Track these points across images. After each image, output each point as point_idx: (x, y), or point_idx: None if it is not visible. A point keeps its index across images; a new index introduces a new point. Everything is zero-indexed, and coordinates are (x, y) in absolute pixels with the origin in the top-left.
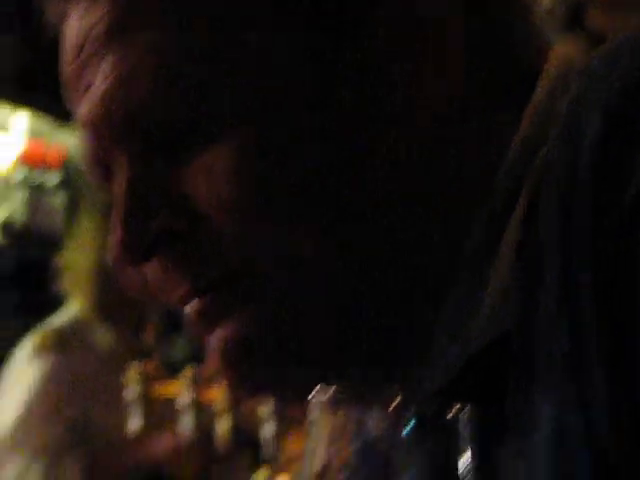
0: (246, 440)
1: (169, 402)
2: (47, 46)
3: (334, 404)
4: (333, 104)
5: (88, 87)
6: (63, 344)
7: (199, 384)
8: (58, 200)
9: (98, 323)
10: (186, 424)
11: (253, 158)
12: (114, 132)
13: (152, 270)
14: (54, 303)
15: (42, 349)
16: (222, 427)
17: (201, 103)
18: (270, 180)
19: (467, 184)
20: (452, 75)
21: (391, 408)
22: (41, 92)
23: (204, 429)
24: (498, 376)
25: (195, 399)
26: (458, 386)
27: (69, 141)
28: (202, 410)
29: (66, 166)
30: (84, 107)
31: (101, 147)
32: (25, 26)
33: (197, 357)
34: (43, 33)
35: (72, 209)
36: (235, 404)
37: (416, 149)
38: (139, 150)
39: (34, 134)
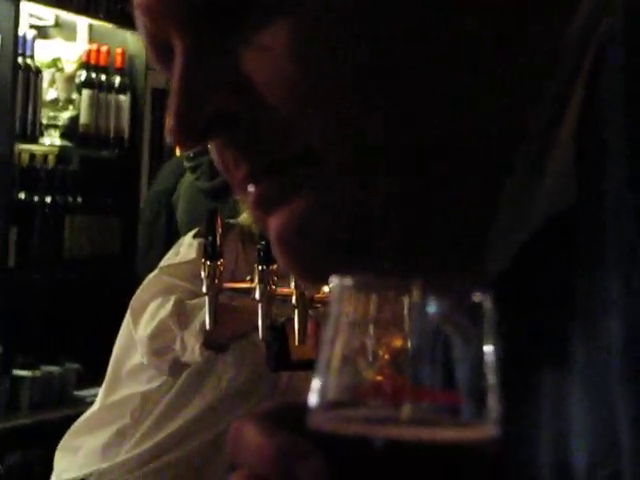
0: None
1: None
2: None
3: (364, 289)
4: None
5: None
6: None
7: (269, 280)
8: (121, 101)
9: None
10: (260, 318)
11: (315, 36)
12: (170, 12)
13: (215, 152)
14: (117, 204)
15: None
16: (297, 319)
17: None
18: (333, 60)
19: (529, 67)
20: None
21: (452, 292)
22: None
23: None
24: (558, 256)
25: (265, 292)
26: (518, 267)
27: (132, 43)
28: (275, 303)
29: (128, 68)
30: None
31: (158, 29)
32: None
33: (267, 258)
34: None
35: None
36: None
37: (487, 24)
38: (195, 30)
39: (97, 36)
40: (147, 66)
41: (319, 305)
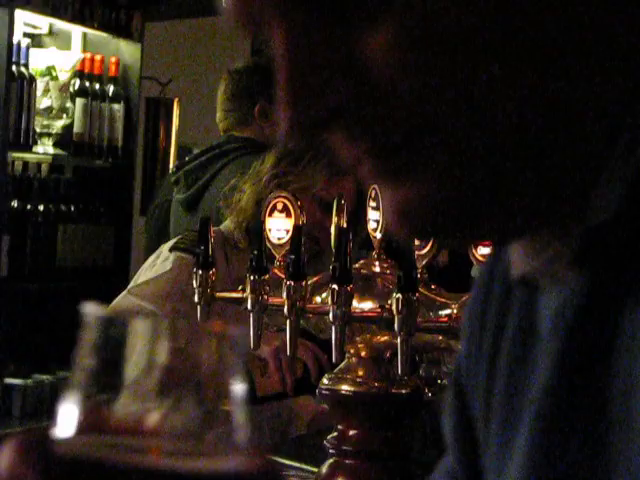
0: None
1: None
2: None
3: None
4: None
5: None
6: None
7: (262, 287)
8: (115, 111)
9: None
10: (252, 328)
11: (431, 16)
12: None
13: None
14: (111, 213)
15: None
16: (288, 330)
17: None
18: (451, 36)
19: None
20: None
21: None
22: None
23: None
24: None
25: (256, 302)
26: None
27: (126, 52)
28: (268, 314)
29: (122, 77)
30: None
31: (251, 8)
32: None
33: (259, 268)
34: None
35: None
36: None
37: None
38: (299, 15)
39: (92, 46)
40: (141, 75)
41: (311, 315)
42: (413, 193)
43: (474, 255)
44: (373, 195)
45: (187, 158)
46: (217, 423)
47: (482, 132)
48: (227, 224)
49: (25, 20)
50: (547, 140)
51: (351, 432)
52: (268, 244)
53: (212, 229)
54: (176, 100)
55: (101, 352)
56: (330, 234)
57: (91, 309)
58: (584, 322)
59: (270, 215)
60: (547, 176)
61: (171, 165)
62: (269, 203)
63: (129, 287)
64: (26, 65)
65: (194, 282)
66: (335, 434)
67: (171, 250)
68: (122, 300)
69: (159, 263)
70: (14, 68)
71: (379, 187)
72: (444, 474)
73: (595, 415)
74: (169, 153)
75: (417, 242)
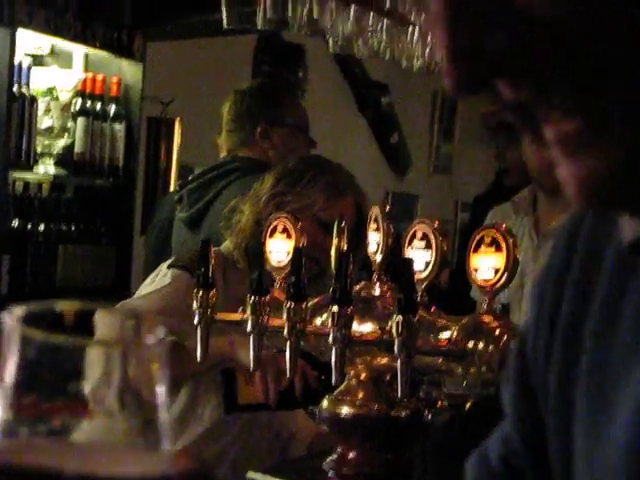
0: (312, 365)
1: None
2: None
3: None
4: None
5: None
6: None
7: (262, 309)
8: (116, 130)
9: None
10: (252, 349)
11: None
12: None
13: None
14: (112, 233)
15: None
16: (288, 351)
17: None
18: None
19: None
20: None
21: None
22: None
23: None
24: None
25: (257, 324)
26: None
27: (127, 72)
28: (267, 336)
29: (124, 97)
30: None
31: None
32: None
33: (259, 290)
34: None
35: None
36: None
37: None
38: None
39: (94, 66)
40: (142, 95)
41: (311, 336)
42: (600, 160)
43: (474, 278)
44: (373, 217)
45: (190, 177)
46: (147, 432)
47: None
48: (227, 244)
49: (27, 40)
50: None
51: (351, 454)
52: (268, 266)
53: (214, 250)
54: (177, 120)
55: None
56: (330, 255)
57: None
58: None
59: (271, 236)
60: None
61: (172, 185)
62: (270, 224)
63: (123, 301)
64: (27, 85)
65: (194, 303)
66: (335, 456)
67: (170, 267)
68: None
69: (158, 279)
70: (15, 88)
71: (558, 156)
72: (499, 440)
73: None
74: (170, 173)
75: (416, 267)
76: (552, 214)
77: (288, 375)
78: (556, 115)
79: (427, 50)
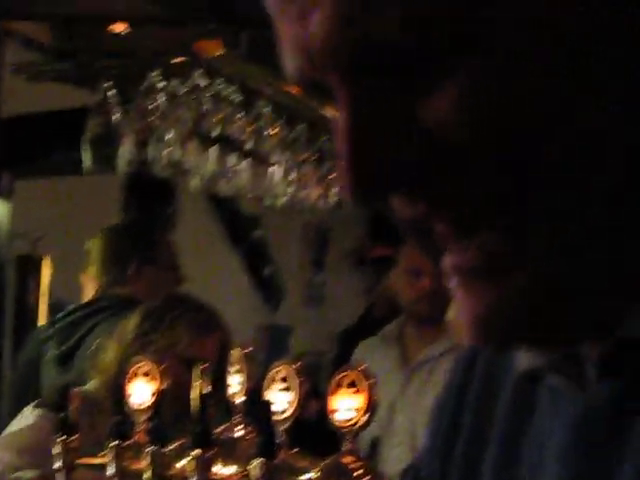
0: None
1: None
2: None
3: None
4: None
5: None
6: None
7: (125, 454)
8: None
9: None
10: None
11: (500, 74)
12: (336, 60)
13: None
14: None
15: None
16: None
17: (447, 28)
18: (514, 115)
19: None
20: None
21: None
22: None
23: None
24: None
25: (120, 468)
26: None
27: None
28: (129, 477)
29: None
30: (299, 31)
31: (314, 71)
32: None
33: (120, 434)
34: None
35: None
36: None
37: None
38: (364, 81)
39: None
40: (12, 234)
41: None
42: (499, 294)
43: (332, 419)
44: (233, 359)
45: (60, 314)
46: None
47: (582, 202)
48: (93, 384)
49: None
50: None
51: None
52: (130, 408)
53: (78, 390)
54: (46, 257)
55: None
56: None
57: None
58: (610, 442)
59: (132, 380)
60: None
61: (40, 322)
62: (131, 367)
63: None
64: None
65: (54, 448)
66: None
67: (36, 406)
68: None
69: (24, 418)
70: None
71: (456, 288)
72: None
73: None
74: (38, 310)
75: (277, 408)
76: (419, 346)
77: None
78: (454, 245)
79: (289, 189)
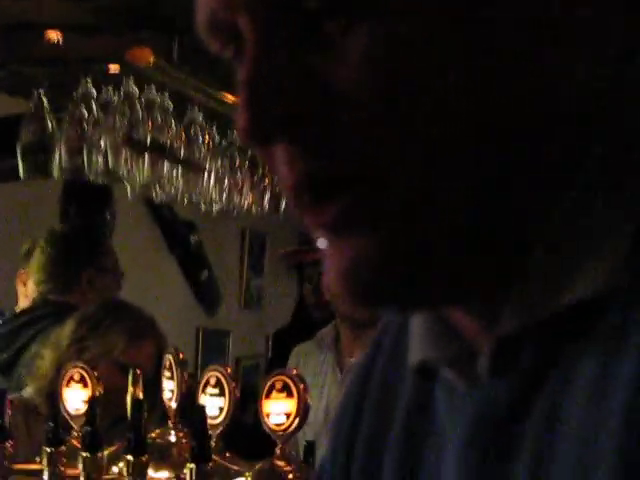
0: None
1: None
2: None
3: None
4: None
5: None
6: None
7: (60, 459)
8: None
9: None
10: None
11: (392, 49)
12: (248, 2)
13: (278, 153)
14: None
15: None
16: None
17: None
18: (405, 75)
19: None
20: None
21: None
22: None
23: None
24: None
25: (55, 473)
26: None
27: None
28: None
29: None
30: None
31: (226, 14)
32: None
33: (54, 440)
34: None
35: None
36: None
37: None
38: (273, 26)
39: None
40: None
41: None
42: (359, 248)
43: (266, 423)
44: (167, 364)
45: (0, 322)
46: None
47: (439, 184)
48: (29, 390)
49: None
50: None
51: None
52: (65, 414)
53: (14, 397)
54: None
55: None
56: None
57: None
58: (503, 438)
59: (67, 385)
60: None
61: None
62: (65, 373)
63: None
64: None
65: None
66: None
67: None
68: None
69: None
70: None
71: (325, 242)
72: None
73: None
74: None
75: (210, 413)
76: (354, 350)
77: None
78: (327, 201)
79: (224, 195)
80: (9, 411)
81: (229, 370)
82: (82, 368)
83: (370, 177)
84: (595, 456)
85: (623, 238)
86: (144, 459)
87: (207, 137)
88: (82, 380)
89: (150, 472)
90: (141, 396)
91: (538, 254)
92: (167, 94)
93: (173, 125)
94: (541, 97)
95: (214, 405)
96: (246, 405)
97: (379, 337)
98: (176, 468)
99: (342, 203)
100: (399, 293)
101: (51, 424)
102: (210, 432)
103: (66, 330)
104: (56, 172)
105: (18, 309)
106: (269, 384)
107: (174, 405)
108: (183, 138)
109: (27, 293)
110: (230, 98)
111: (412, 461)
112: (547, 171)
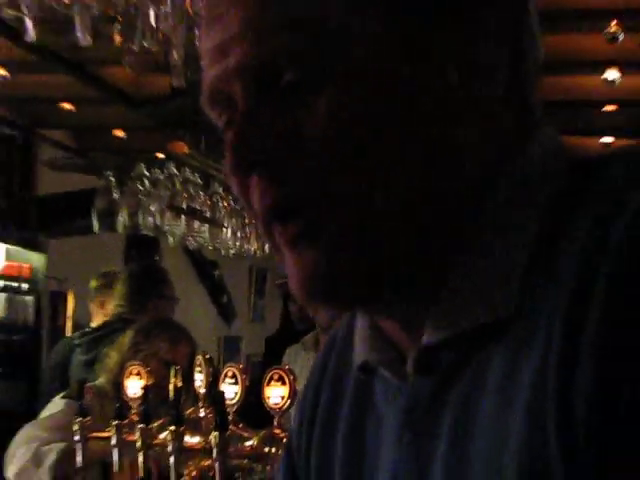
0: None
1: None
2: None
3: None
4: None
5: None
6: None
7: (123, 429)
8: (28, 301)
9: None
10: (115, 456)
11: (345, 108)
12: (239, 79)
13: (253, 186)
14: (26, 371)
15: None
16: (141, 457)
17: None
18: (353, 126)
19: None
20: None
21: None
22: (16, 231)
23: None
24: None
25: (120, 439)
26: (454, 342)
27: (35, 261)
28: (127, 446)
29: (33, 278)
30: (221, 62)
31: (224, 86)
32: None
33: (119, 416)
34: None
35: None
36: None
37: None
38: (256, 94)
39: (12, 256)
40: (46, 276)
41: (157, 447)
42: (310, 260)
43: (266, 403)
44: (198, 362)
45: (86, 329)
46: None
47: (375, 209)
48: (101, 380)
49: None
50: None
51: None
52: (127, 398)
53: (91, 385)
54: (70, 292)
55: None
56: None
57: None
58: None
59: (128, 377)
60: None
61: (68, 334)
62: (127, 369)
63: (32, 422)
64: None
65: (75, 427)
66: None
67: (63, 397)
68: (23, 432)
69: (55, 405)
70: None
71: (286, 253)
72: None
73: None
74: (65, 328)
75: (228, 396)
76: None
77: (141, 474)
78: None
79: (237, 243)
80: (87, 395)
81: (241, 366)
82: (138, 365)
83: (317, 206)
84: (503, 435)
85: (517, 267)
86: (182, 429)
87: (225, 203)
88: (138, 374)
89: (186, 438)
90: (180, 385)
91: (453, 283)
92: (197, 174)
93: (201, 195)
94: (452, 156)
95: (231, 391)
96: (253, 390)
97: (333, 337)
98: (205, 435)
99: (297, 224)
100: (342, 293)
101: (117, 404)
102: (228, 409)
103: (127, 338)
104: (120, 228)
105: (93, 324)
106: (269, 375)
107: (203, 391)
108: (208, 204)
109: (106, 313)
110: None
111: (358, 429)
112: (458, 216)
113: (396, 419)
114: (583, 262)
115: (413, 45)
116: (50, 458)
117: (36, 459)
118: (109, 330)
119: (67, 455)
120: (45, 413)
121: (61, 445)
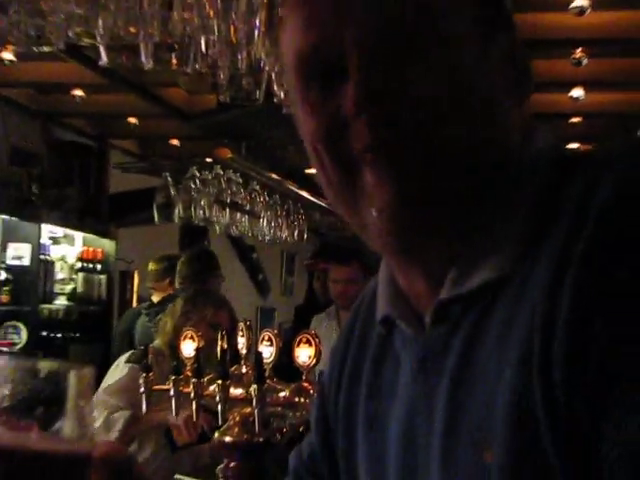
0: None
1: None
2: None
3: None
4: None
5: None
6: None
7: (179, 383)
8: (101, 279)
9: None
10: (174, 406)
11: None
12: (365, 45)
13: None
14: (100, 335)
15: (129, 361)
16: (194, 405)
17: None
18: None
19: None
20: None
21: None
22: (91, 221)
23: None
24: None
25: (177, 391)
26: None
27: (107, 246)
28: (182, 397)
29: (105, 260)
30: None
31: (334, 48)
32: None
33: (176, 372)
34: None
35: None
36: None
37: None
38: (376, 55)
39: (88, 243)
40: (116, 259)
41: (207, 398)
42: (394, 175)
43: (297, 362)
44: (240, 328)
45: (149, 303)
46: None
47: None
48: (158, 342)
49: (48, 229)
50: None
51: (231, 463)
52: (182, 357)
53: (151, 347)
54: (136, 271)
55: None
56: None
57: None
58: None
59: (183, 340)
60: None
61: (134, 306)
62: (182, 333)
63: (100, 388)
64: (49, 255)
65: (140, 381)
66: (223, 465)
67: (127, 362)
68: (97, 395)
69: (119, 370)
70: (42, 256)
71: (367, 174)
72: (308, 444)
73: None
74: (132, 300)
75: (265, 356)
76: (344, 319)
77: (195, 419)
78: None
79: (272, 231)
80: (150, 355)
81: (275, 331)
82: (190, 329)
83: (412, 138)
84: (497, 378)
85: (516, 235)
86: (227, 383)
87: (262, 198)
88: (192, 337)
89: (231, 390)
90: (225, 346)
91: (475, 239)
92: (239, 174)
93: (242, 192)
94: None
95: (267, 351)
96: (285, 351)
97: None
98: (246, 387)
99: (393, 132)
100: (426, 218)
101: (174, 363)
102: (265, 367)
103: (177, 306)
104: (176, 219)
105: (154, 298)
106: (298, 339)
107: (244, 352)
108: (248, 199)
109: (165, 288)
110: (274, 177)
111: (380, 374)
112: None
113: (411, 363)
114: (567, 235)
115: (491, 44)
116: (118, 424)
117: (106, 426)
118: (168, 304)
119: (133, 421)
120: (111, 373)
121: (127, 413)
